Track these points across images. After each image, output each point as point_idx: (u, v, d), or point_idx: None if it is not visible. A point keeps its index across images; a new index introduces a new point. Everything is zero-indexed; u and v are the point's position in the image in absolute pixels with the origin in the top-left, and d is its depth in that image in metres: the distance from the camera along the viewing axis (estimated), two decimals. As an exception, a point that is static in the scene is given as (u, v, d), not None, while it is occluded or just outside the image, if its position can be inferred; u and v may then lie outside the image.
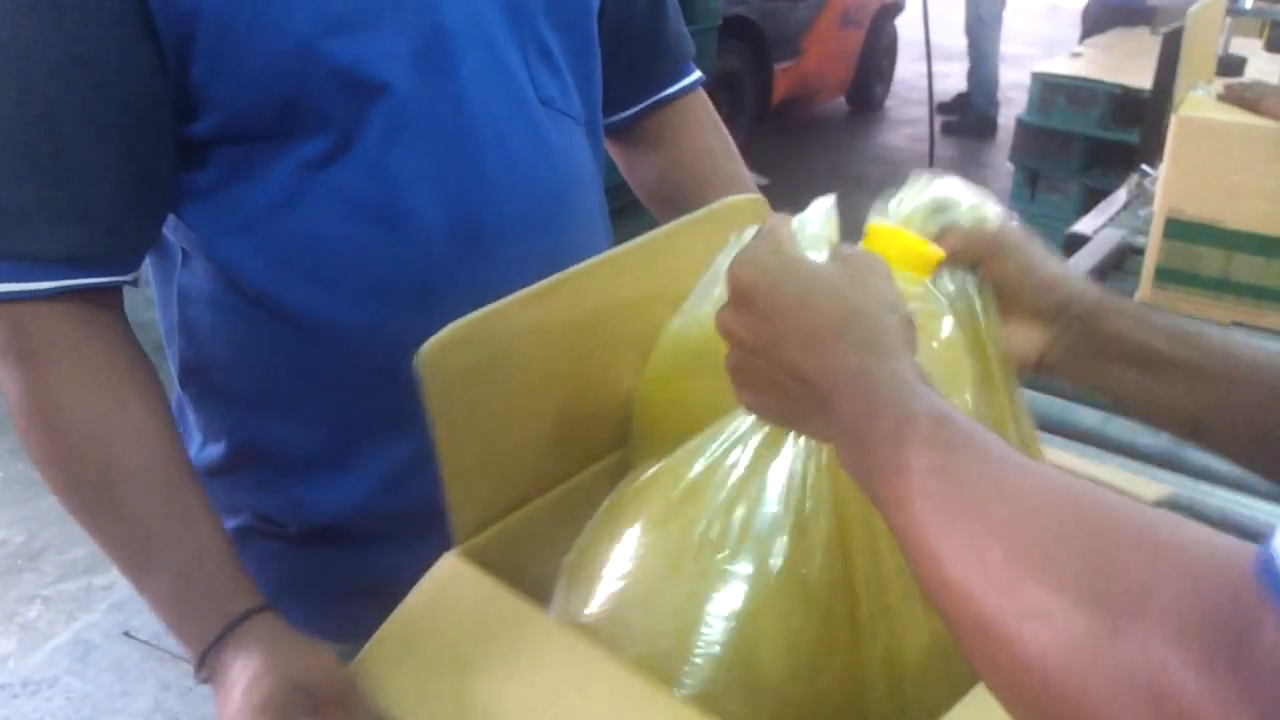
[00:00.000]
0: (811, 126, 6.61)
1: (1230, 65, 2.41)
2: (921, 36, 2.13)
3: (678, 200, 1.09)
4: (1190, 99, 1.60)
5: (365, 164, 0.84)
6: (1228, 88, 1.62)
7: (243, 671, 0.75)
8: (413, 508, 0.90)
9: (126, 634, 2.53)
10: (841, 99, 6.85)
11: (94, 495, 0.81)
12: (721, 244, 0.79)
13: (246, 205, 0.85)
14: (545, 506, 0.81)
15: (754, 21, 5.27)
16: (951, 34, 6.49)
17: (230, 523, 0.95)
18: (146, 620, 2.56)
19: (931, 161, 2.30)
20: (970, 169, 5.92)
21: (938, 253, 0.71)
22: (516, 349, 0.76)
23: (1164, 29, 2.63)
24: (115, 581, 2.71)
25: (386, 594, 0.77)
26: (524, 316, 0.76)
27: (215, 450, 0.99)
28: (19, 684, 2.39)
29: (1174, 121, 1.55)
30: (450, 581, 0.75)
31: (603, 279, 0.81)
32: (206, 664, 0.78)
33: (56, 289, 0.79)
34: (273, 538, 1.00)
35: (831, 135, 6.68)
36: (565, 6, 0.95)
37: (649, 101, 1.12)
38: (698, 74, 1.15)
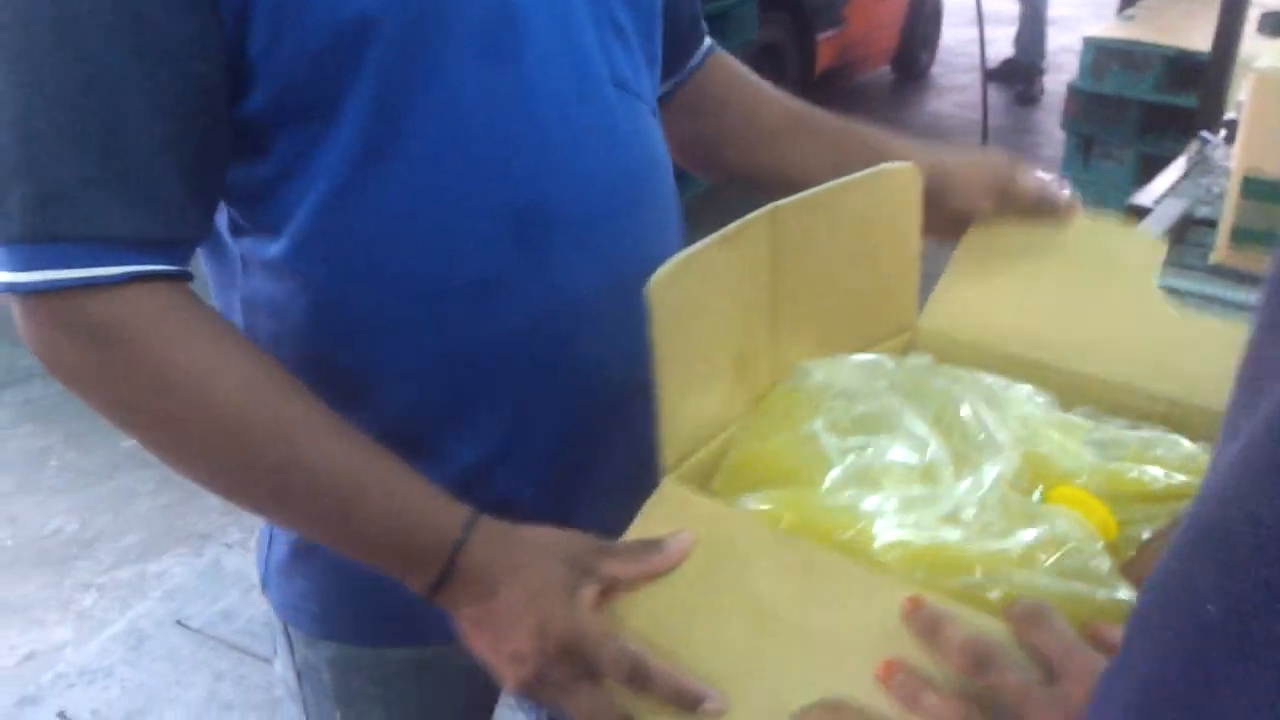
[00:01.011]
0: (857, 96, 6.51)
1: (1276, 24, 2.29)
2: (965, 1, 2.08)
3: (757, 152, 1.10)
4: (1272, 50, 1.53)
5: (422, 154, 0.79)
6: None
7: (508, 558, 0.75)
8: (485, 509, 0.86)
9: (179, 623, 2.53)
10: (887, 67, 6.75)
11: (274, 459, 0.76)
12: (874, 208, 0.92)
13: (303, 204, 0.80)
14: (722, 444, 0.86)
15: (795, -9, 5.20)
16: (995, -1, 6.37)
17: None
18: (199, 609, 2.57)
19: (985, 129, 2.23)
20: (1022, 136, 5.81)
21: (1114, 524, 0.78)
22: (707, 289, 0.80)
23: (1225, -13, 2.53)
24: (168, 569, 2.72)
25: None
26: (717, 258, 0.80)
27: None
28: (75, 673, 2.40)
29: (1253, 78, 1.48)
30: (676, 504, 0.79)
31: (776, 228, 0.85)
32: (452, 578, 0.76)
33: (128, 274, 0.73)
34: None
35: (877, 105, 6.57)
36: None
37: (678, 76, 1.10)
38: (710, 39, 1.14)
